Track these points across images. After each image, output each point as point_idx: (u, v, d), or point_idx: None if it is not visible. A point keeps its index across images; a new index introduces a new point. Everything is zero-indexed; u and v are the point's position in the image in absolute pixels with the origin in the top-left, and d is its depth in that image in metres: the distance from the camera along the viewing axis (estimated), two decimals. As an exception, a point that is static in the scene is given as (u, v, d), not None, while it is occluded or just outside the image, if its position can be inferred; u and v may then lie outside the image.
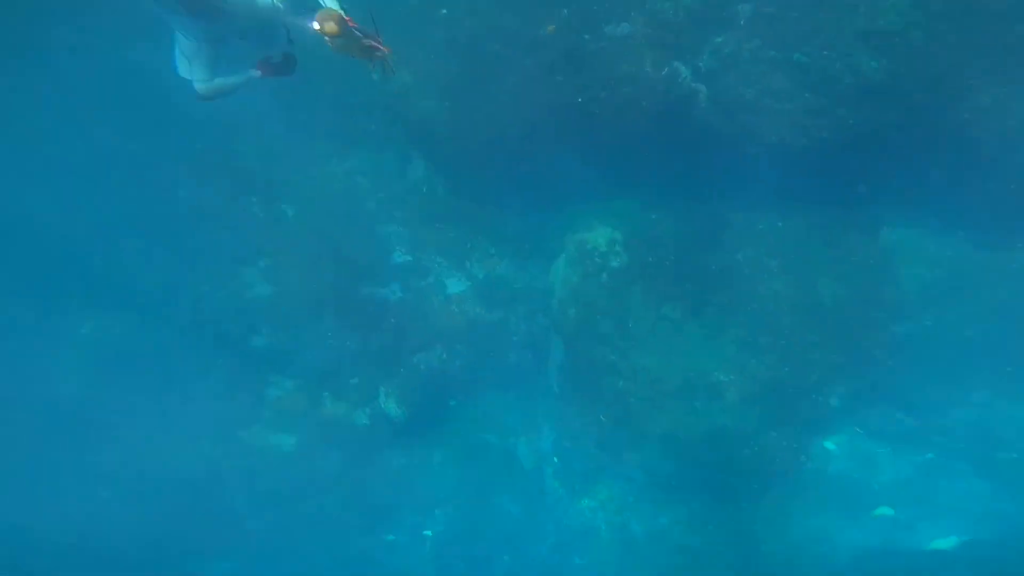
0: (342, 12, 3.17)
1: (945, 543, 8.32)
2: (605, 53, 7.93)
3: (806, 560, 8.88)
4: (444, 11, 8.50)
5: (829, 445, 9.02)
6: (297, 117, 9.43)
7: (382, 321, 9.66)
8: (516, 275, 10.42)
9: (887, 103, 7.31)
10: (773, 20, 7.13)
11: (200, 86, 3.91)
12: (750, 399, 8.80)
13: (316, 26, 3.08)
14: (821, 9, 6.92)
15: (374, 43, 3.26)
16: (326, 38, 3.09)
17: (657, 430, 9.35)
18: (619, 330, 9.40)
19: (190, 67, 3.80)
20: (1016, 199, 7.02)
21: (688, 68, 7.92)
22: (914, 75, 6.97)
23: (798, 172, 8.34)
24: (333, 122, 9.87)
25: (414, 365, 9.93)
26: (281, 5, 3.83)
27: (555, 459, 10.47)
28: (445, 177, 10.44)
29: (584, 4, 7.93)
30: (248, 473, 9.98)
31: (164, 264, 9.01)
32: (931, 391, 8.12)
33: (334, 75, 8.72)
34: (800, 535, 9.09)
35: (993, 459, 8.22)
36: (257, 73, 4.13)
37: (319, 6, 3.31)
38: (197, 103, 3.95)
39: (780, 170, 8.43)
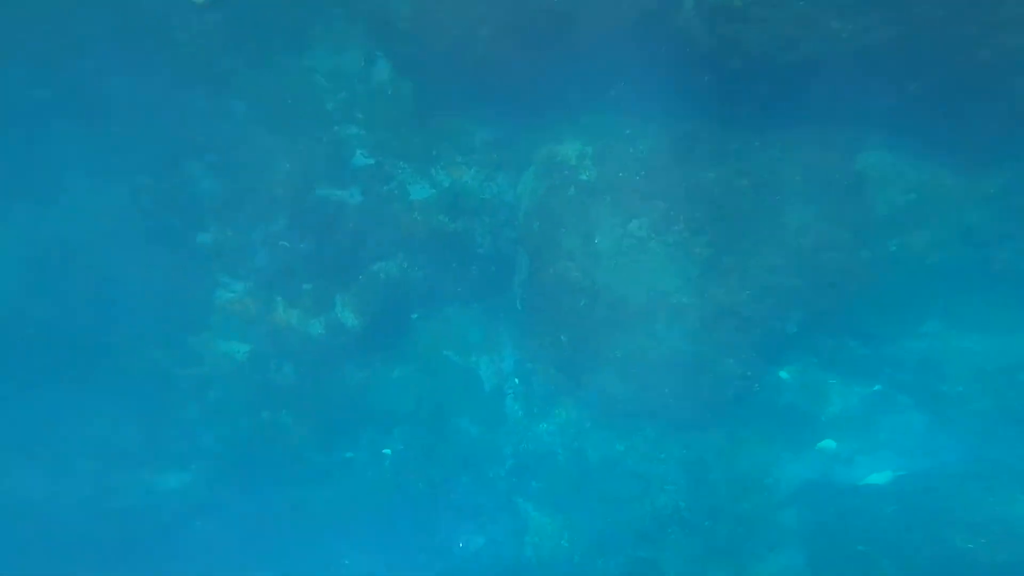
0: None
1: (880, 478, 8.58)
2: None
3: (751, 491, 9.16)
4: None
5: (783, 374, 9.11)
6: (245, 6, 8.55)
7: (339, 224, 9.21)
8: (483, 185, 9.98)
9: (884, 15, 6.86)
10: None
11: None
12: (709, 323, 8.75)
13: None
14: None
15: None
16: None
17: (616, 353, 9.33)
18: (584, 246, 9.16)
19: None
20: (1000, 120, 6.78)
21: None
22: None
23: (779, 90, 7.96)
24: (288, 15, 9.00)
25: (373, 273, 9.59)
26: None
27: (516, 380, 10.44)
28: (412, 81, 9.75)
29: None
30: (199, 382, 9.73)
31: (95, 153, 8.31)
32: (886, 320, 8.14)
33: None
34: (747, 466, 9.33)
35: (936, 392, 8.38)
36: None
37: None
38: None
39: (760, 87, 8.04)
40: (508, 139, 9.87)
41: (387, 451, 9.76)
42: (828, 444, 8.65)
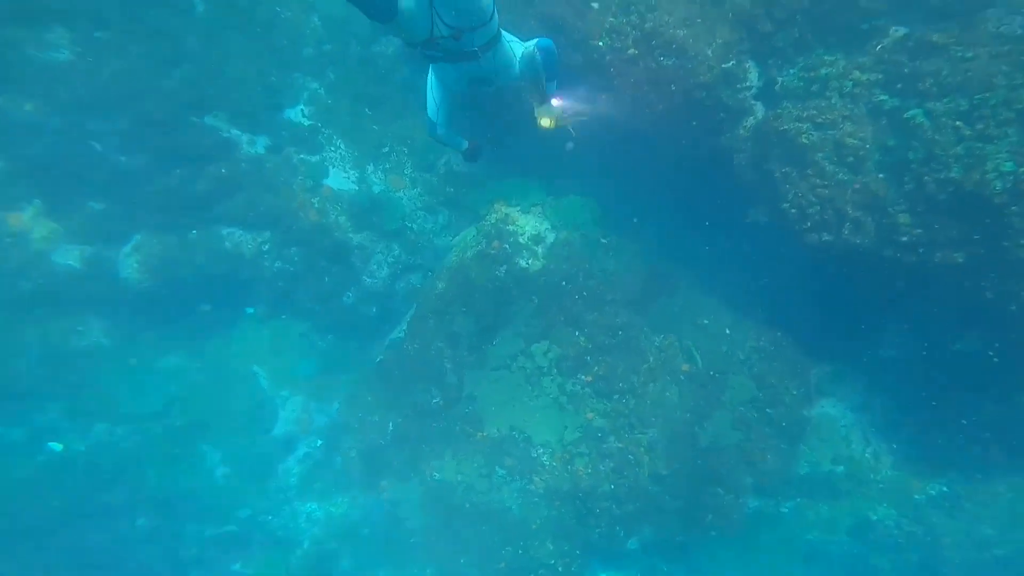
0: (559, 112, 4.18)
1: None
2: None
3: None
4: None
5: None
6: None
7: (209, 166, 7.09)
8: (418, 212, 8.01)
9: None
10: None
11: (439, 130, 4.51)
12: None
13: (544, 122, 4.17)
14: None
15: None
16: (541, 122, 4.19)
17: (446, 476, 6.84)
18: (470, 339, 6.95)
19: (436, 110, 4.41)
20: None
21: (759, 74, 5.58)
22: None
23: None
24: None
25: (217, 233, 7.36)
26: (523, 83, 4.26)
27: (318, 443, 7.97)
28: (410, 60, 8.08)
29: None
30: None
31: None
32: None
33: None
34: None
35: None
36: (465, 145, 4.78)
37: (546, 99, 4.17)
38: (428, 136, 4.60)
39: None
40: (473, 179, 7.99)
41: (55, 445, 6.95)
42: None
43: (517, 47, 4.12)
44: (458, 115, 4.55)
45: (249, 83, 7.65)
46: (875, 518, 6.20)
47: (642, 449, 6.59)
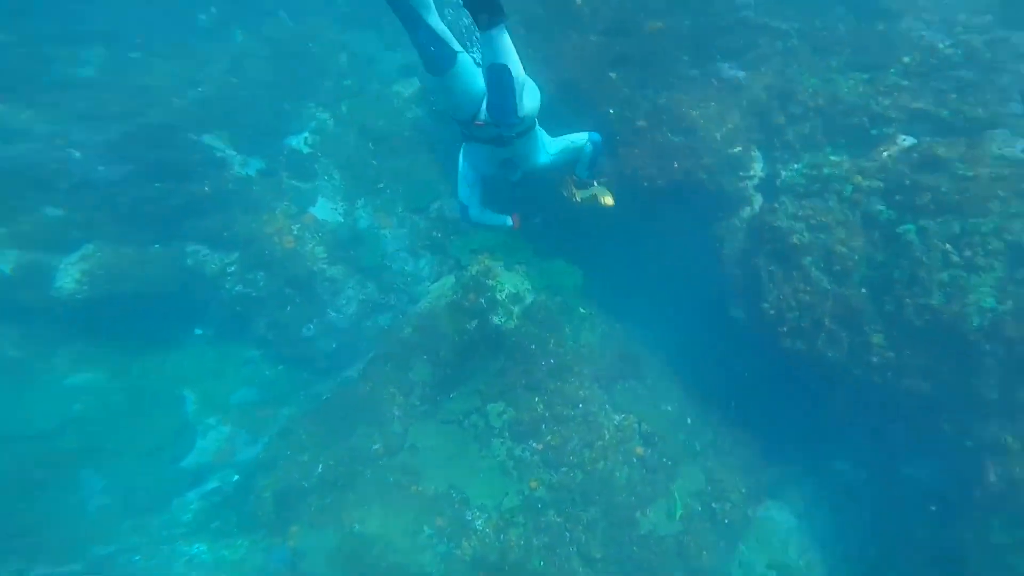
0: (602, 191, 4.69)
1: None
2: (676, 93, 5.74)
3: None
4: None
5: None
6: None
7: (199, 184, 6.90)
8: (398, 252, 7.83)
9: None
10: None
11: (473, 212, 4.57)
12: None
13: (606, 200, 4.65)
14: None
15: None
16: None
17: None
18: (425, 390, 6.58)
19: (469, 194, 4.46)
20: None
21: (764, 165, 5.62)
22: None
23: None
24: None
25: (182, 251, 7.05)
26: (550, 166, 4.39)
27: (234, 477, 7.31)
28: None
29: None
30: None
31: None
32: None
33: None
34: None
35: None
36: (510, 223, 4.73)
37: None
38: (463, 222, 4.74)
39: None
40: (462, 228, 7.88)
41: None
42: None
43: (545, 138, 4.34)
44: (488, 196, 4.63)
45: (260, 108, 7.68)
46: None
47: (580, 527, 6.10)
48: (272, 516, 6.86)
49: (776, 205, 5.10)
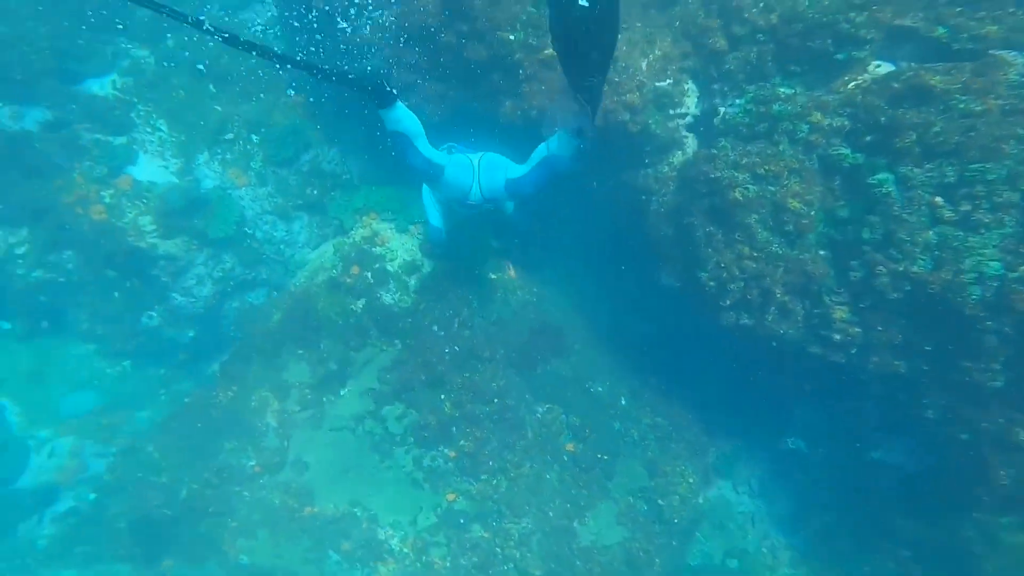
0: None
1: None
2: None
3: None
4: None
5: None
6: None
7: None
8: (263, 216, 6.27)
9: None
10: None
11: (440, 230, 5.01)
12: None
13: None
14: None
15: None
16: None
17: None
18: (304, 391, 5.34)
19: (439, 218, 4.97)
20: None
21: (699, 99, 4.45)
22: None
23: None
24: None
25: None
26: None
27: None
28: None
29: None
30: None
31: None
32: None
33: None
34: None
35: None
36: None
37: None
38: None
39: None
40: (344, 182, 6.38)
41: None
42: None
43: (513, 170, 4.25)
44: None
45: (35, 44, 5.59)
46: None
47: (512, 543, 5.28)
48: (134, 549, 5.62)
49: (715, 151, 4.01)
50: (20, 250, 5.44)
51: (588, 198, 5.61)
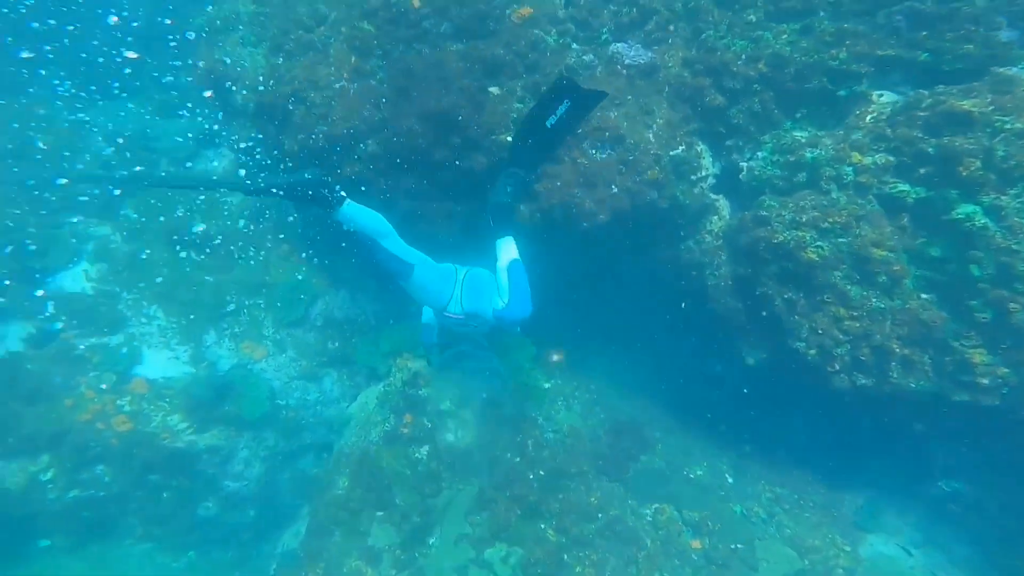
0: None
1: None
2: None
3: None
4: None
5: None
6: None
7: None
8: (289, 384, 5.91)
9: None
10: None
11: (431, 328, 4.59)
12: None
13: None
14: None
15: None
16: None
17: None
18: (396, 553, 4.85)
19: (433, 337, 4.64)
20: None
21: (714, 158, 4.27)
22: None
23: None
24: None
25: None
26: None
27: None
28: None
29: None
30: None
31: None
32: None
33: None
34: None
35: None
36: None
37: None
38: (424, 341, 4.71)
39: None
40: (362, 326, 6.07)
41: None
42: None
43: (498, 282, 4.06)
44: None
45: None
46: None
47: None
48: None
49: (764, 212, 3.82)
50: (46, 476, 4.95)
51: (620, 286, 5.39)
